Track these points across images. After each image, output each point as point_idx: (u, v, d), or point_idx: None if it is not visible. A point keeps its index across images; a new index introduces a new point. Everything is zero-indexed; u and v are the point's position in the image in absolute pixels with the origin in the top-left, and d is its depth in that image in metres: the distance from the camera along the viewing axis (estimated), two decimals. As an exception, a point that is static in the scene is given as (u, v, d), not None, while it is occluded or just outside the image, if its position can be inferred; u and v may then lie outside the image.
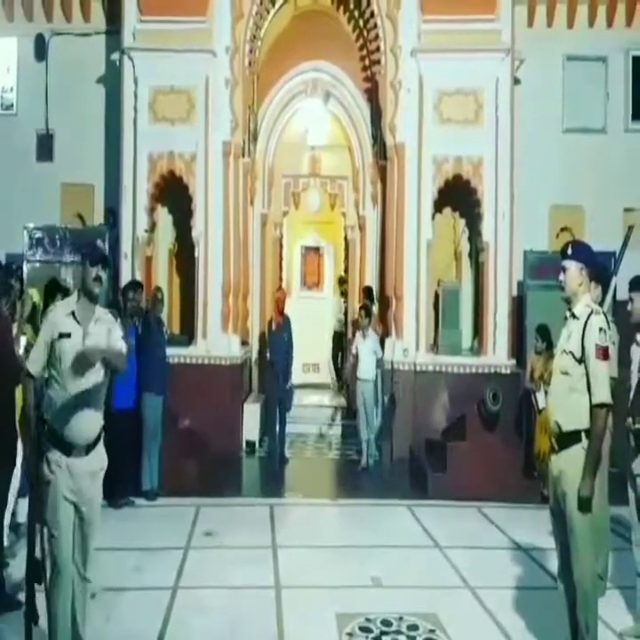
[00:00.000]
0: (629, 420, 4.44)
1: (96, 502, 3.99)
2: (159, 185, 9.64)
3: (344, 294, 12.58)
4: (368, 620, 4.70)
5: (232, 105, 9.63)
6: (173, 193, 9.77)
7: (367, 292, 10.37)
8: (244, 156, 10.22)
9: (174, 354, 8.84)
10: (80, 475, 3.87)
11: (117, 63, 9.70)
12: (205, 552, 6.11)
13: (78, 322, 3.93)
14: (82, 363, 3.80)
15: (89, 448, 3.91)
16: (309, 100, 11.36)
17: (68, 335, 3.87)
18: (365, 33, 10.59)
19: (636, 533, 4.52)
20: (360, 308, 9.67)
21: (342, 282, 12.85)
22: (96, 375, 3.92)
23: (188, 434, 8.50)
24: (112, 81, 10.31)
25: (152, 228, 9.81)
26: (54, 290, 6.79)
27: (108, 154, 10.66)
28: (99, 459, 3.99)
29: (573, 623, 3.85)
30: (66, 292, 6.38)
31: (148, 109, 9.50)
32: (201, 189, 9.51)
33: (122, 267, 9.49)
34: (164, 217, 10.24)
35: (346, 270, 12.35)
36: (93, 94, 10.89)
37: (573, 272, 3.93)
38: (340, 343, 12.70)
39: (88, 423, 3.90)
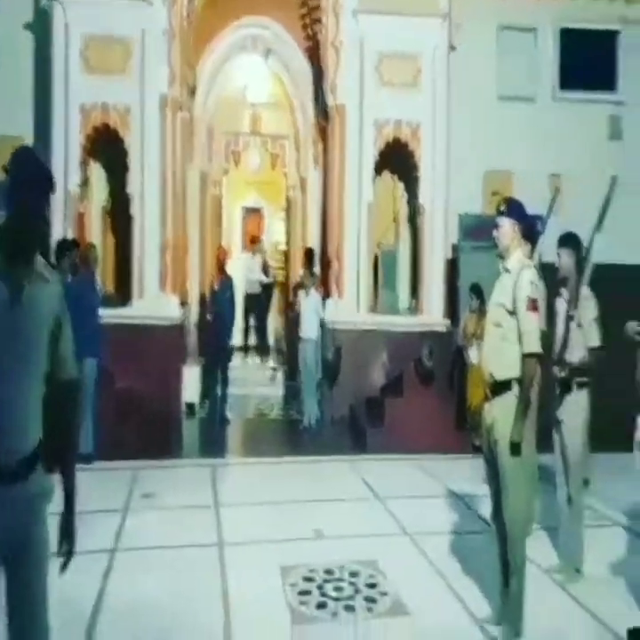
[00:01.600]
0: (556, 368, 4.64)
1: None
2: (92, 138, 9.34)
3: (259, 253, 12.53)
4: (311, 570, 4.76)
5: (169, 57, 9.38)
6: (108, 147, 9.49)
7: (308, 253, 10.44)
8: (181, 110, 10.00)
9: (109, 315, 8.59)
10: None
11: (47, 9, 9.33)
12: (145, 513, 5.97)
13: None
14: None
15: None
16: (249, 57, 11.18)
17: None
18: (307, -10, 10.48)
19: (559, 476, 4.77)
20: (303, 268, 9.77)
21: (254, 240, 12.79)
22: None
23: (124, 397, 8.34)
24: (41, 28, 9.87)
25: (85, 182, 9.52)
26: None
27: (37, 104, 10.18)
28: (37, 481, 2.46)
29: (504, 562, 4.02)
30: None
31: (80, 59, 9.17)
32: (137, 144, 9.28)
33: (52, 223, 9.20)
34: (97, 172, 9.93)
35: (287, 231, 12.32)
36: (21, 42, 10.35)
37: (507, 228, 4.04)
38: (253, 304, 12.55)
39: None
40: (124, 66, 9.23)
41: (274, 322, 12.98)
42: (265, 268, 12.65)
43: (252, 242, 12.91)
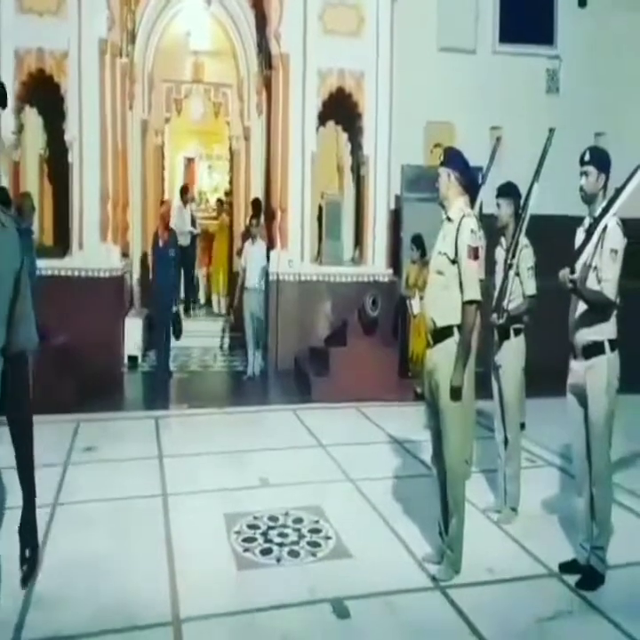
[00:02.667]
0: (494, 315, 4.75)
1: None
2: (27, 84, 8.97)
3: (187, 203, 12.35)
4: (255, 517, 4.83)
5: (108, -1, 9.03)
6: (43, 92, 9.12)
7: (256, 203, 10.42)
8: (121, 56, 9.67)
9: (48, 266, 8.40)
10: None
11: (-25, -56, 8.81)
12: (86, 467, 5.89)
13: None
14: None
15: None
16: (192, 2, 10.83)
17: None
18: None
19: (497, 420, 4.93)
20: (250, 218, 9.74)
21: (184, 191, 12.60)
22: None
23: (63, 350, 8.13)
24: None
25: (19, 129, 9.16)
26: None
27: (-34, 46, 9.75)
28: None
29: (444, 503, 4.16)
30: None
31: (14, -1, 8.73)
32: (74, 90, 8.94)
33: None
34: (33, 118, 9.55)
35: (231, 181, 12.15)
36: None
37: (445, 177, 4.08)
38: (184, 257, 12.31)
39: None
40: (59, 7, 8.84)
41: (218, 272, 12.79)
42: (192, 219, 12.46)
43: (184, 192, 12.68)
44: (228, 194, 12.47)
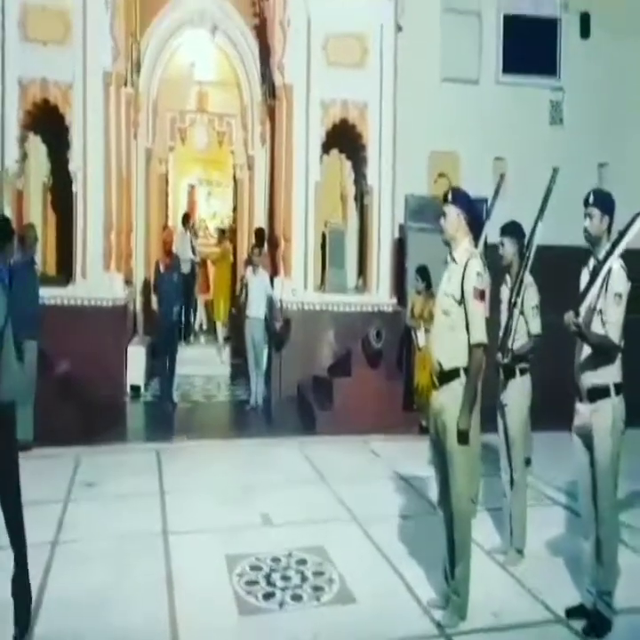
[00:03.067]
0: (499, 355, 4.72)
1: None
2: (31, 113, 9.03)
3: (191, 231, 12.37)
4: (257, 558, 4.75)
5: (112, 30, 9.09)
6: (48, 121, 9.17)
7: (259, 233, 10.44)
8: (126, 86, 9.75)
9: (51, 295, 8.41)
10: None
11: (-18, -26, 8.90)
12: (87, 503, 5.83)
13: None
14: None
15: None
16: (196, 32, 10.95)
17: None
18: (255, -33, 10.28)
19: (503, 459, 4.87)
20: (253, 247, 9.72)
21: (186, 218, 12.63)
22: None
23: (66, 380, 8.01)
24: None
25: (23, 158, 9.20)
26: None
27: (-29, 75, 9.82)
28: None
29: (450, 546, 4.09)
30: None
31: (18, 28, 8.82)
32: (79, 120, 9.00)
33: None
34: (37, 147, 9.61)
35: (234, 209, 12.20)
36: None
37: (452, 217, 4.06)
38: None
39: None
40: (65, 38, 8.91)
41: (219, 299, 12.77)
42: (192, 247, 12.49)
43: (186, 219, 12.72)
44: (233, 221, 12.49)
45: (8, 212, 8.59)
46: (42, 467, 6.50)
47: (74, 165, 9.06)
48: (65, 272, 9.36)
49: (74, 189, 9.10)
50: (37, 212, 9.68)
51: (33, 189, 9.68)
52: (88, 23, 8.92)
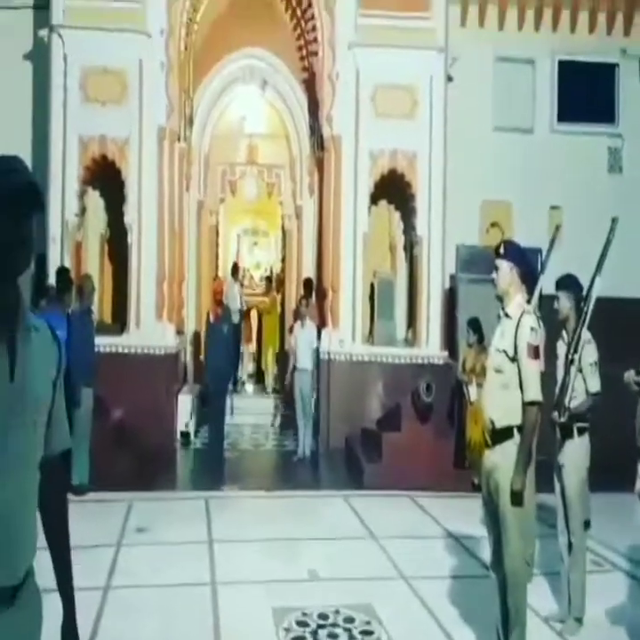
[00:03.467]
0: (555, 413, 4.58)
1: None
2: (90, 168, 9.39)
3: (239, 282, 12.47)
4: (305, 614, 4.68)
5: (167, 88, 9.44)
6: (105, 176, 9.53)
7: (307, 283, 10.45)
8: (179, 141, 10.05)
9: (106, 343, 8.66)
10: None
11: (46, 40, 9.37)
12: (138, 549, 5.95)
13: None
14: None
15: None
16: (246, 87, 11.29)
17: None
18: (303, 23, 10.52)
19: (560, 522, 4.70)
20: (300, 298, 9.74)
21: (235, 269, 12.73)
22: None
23: (119, 426, 8.33)
24: (40, 57, 9.89)
25: (82, 211, 9.55)
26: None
27: (35, 133, 10.22)
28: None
29: (504, 609, 3.94)
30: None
31: (79, 90, 9.24)
32: (134, 174, 9.32)
33: (49, 252, 9.20)
34: (95, 201, 9.99)
35: (283, 259, 12.33)
36: (20, 70, 10.37)
37: (505, 271, 3.99)
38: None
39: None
40: (122, 97, 9.29)
41: (268, 349, 12.86)
42: (239, 296, 12.60)
43: (235, 270, 12.87)
44: (281, 271, 12.62)
45: (68, 263, 8.90)
46: (96, 511, 6.77)
47: (129, 218, 9.34)
48: (120, 321, 9.60)
49: (129, 241, 9.38)
50: (95, 263, 10.00)
51: (91, 241, 10.03)
52: (144, 82, 9.30)
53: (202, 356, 9.79)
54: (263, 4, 10.81)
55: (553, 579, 5.04)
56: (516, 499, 3.80)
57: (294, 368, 9.33)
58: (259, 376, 12.75)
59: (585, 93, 11.02)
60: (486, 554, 4.16)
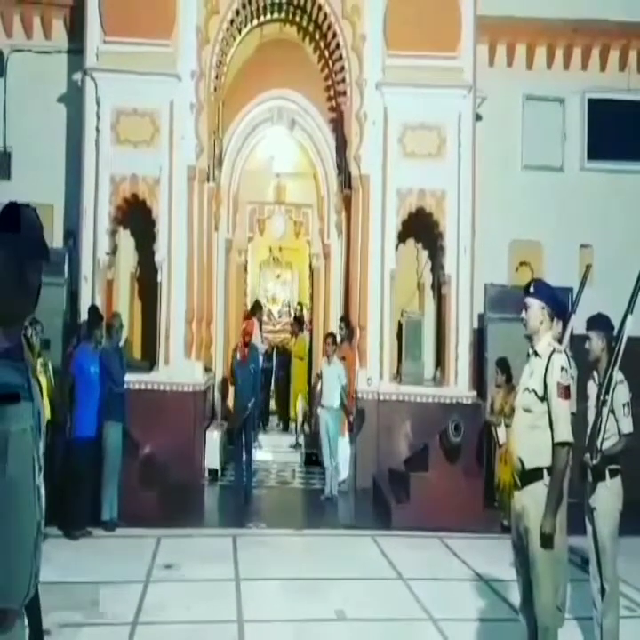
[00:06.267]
0: (587, 455, 4.51)
1: None
2: (121, 208, 9.56)
3: (259, 321, 12.44)
4: (332, 656, 4.67)
5: (197, 129, 9.61)
6: (136, 215, 9.69)
7: (329, 335, 10.15)
8: (208, 181, 10.20)
9: (135, 380, 8.73)
10: None
11: (79, 83, 9.62)
12: (166, 585, 5.99)
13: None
14: None
15: None
16: (275, 128, 11.44)
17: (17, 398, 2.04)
18: (331, 64, 10.69)
19: (592, 567, 4.57)
20: (326, 336, 9.68)
21: (256, 308, 12.62)
22: None
23: (148, 462, 8.35)
24: (74, 100, 10.16)
25: (113, 250, 9.71)
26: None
27: (68, 174, 10.45)
28: None
29: (535, 658, 3.86)
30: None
31: (111, 131, 9.44)
32: (164, 214, 9.47)
33: (81, 290, 9.36)
34: (125, 239, 10.16)
35: (311, 297, 12.34)
36: (54, 113, 10.65)
37: (535, 310, 3.98)
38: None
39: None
40: (153, 138, 9.47)
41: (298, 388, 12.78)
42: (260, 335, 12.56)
43: (256, 309, 12.76)
44: (309, 310, 12.58)
45: (99, 301, 9.05)
46: (125, 546, 6.89)
47: (159, 256, 9.48)
48: (149, 358, 9.69)
49: (159, 280, 9.49)
50: (125, 301, 10.15)
51: (122, 279, 10.19)
52: (174, 124, 9.47)
53: (228, 396, 9.82)
54: (292, 46, 11.04)
55: (586, 624, 4.91)
56: (546, 542, 3.74)
57: (321, 405, 9.29)
58: (286, 414, 12.53)
59: (615, 131, 10.96)
60: (516, 597, 4.09)
